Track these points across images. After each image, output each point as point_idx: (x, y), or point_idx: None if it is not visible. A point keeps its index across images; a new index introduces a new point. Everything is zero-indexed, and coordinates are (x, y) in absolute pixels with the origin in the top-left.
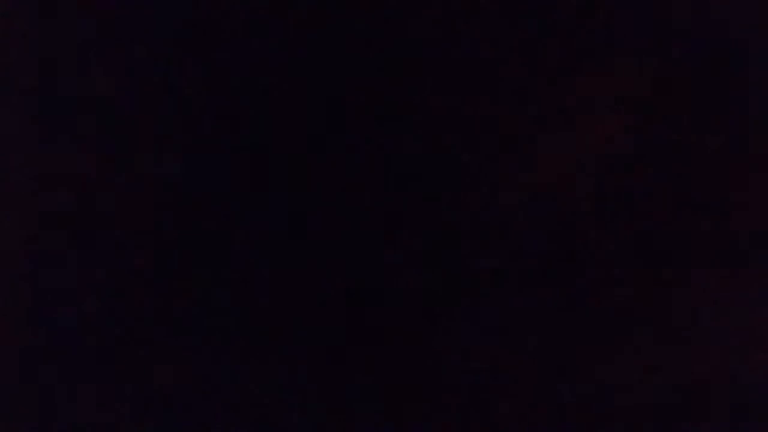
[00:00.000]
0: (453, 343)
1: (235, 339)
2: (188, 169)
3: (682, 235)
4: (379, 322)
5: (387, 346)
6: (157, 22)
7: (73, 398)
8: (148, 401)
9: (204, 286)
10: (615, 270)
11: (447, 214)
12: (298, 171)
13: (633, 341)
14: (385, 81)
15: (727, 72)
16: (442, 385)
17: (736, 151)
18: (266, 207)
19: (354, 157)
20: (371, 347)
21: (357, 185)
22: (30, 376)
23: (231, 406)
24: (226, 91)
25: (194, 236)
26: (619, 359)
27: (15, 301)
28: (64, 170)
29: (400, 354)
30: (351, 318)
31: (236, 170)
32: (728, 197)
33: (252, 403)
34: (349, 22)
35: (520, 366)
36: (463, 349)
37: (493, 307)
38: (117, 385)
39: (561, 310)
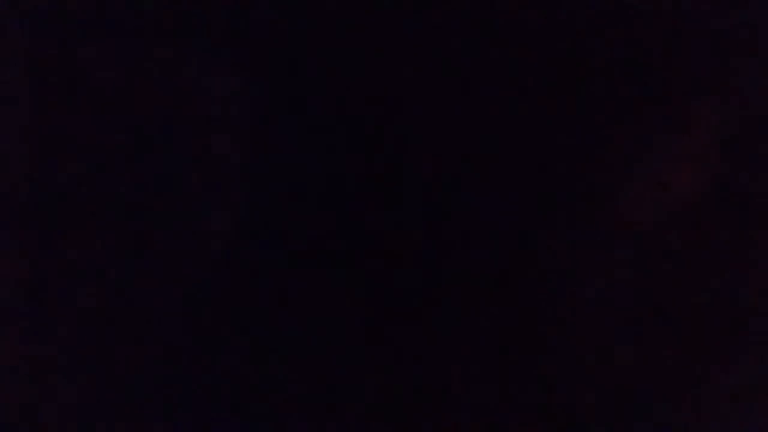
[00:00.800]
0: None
1: (235, 341)
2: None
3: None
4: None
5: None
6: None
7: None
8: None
9: (204, 286)
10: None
11: (527, 276)
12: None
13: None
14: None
15: None
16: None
17: None
18: (271, 207)
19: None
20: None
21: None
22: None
23: (231, 406)
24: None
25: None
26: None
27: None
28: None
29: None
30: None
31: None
32: None
33: (252, 403)
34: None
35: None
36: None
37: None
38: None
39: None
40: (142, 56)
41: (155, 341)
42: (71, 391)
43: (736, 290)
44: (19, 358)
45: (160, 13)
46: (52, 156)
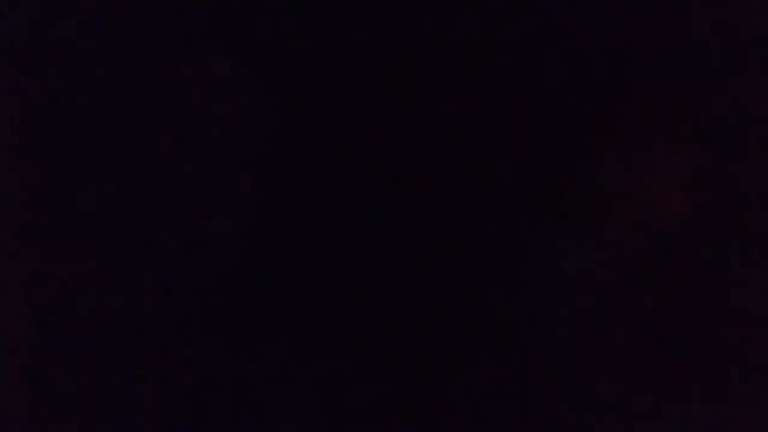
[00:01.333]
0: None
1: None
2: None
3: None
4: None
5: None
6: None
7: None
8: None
9: (204, 286)
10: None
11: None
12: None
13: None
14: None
15: None
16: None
17: None
18: (273, 207)
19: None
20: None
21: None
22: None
23: (229, 408)
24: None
25: (194, 235)
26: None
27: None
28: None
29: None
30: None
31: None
32: None
33: (250, 404)
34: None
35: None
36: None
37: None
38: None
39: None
40: (137, 51)
41: (153, 344)
42: (71, 391)
43: (719, 307)
44: (19, 359)
45: (157, 11)
46: (48, 156)
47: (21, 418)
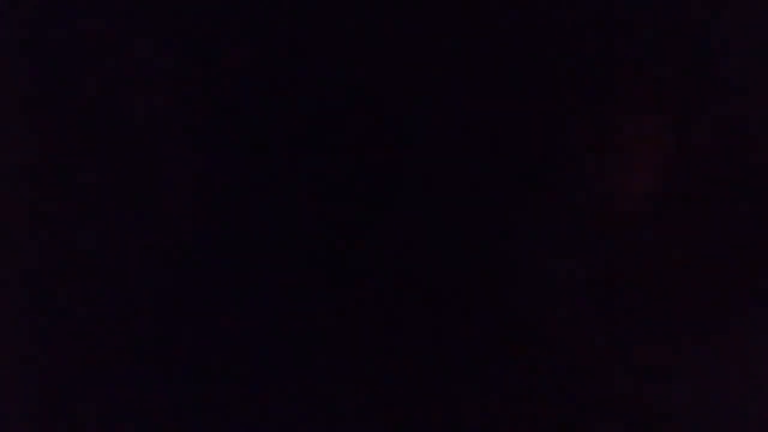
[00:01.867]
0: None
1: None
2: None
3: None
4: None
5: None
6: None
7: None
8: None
9: (205, 288)
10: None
11: (483, 241)
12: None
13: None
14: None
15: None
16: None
17: None
18: (280, 208)
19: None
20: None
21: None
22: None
23: (227, 408)
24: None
25: (194, 235)
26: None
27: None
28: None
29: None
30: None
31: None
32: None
33: (248, 405)
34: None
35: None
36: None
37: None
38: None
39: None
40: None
41: (149, 341)
42: (71, 392)
43: (698, 286)
44: (20, 359)
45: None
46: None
47: (21, 418)
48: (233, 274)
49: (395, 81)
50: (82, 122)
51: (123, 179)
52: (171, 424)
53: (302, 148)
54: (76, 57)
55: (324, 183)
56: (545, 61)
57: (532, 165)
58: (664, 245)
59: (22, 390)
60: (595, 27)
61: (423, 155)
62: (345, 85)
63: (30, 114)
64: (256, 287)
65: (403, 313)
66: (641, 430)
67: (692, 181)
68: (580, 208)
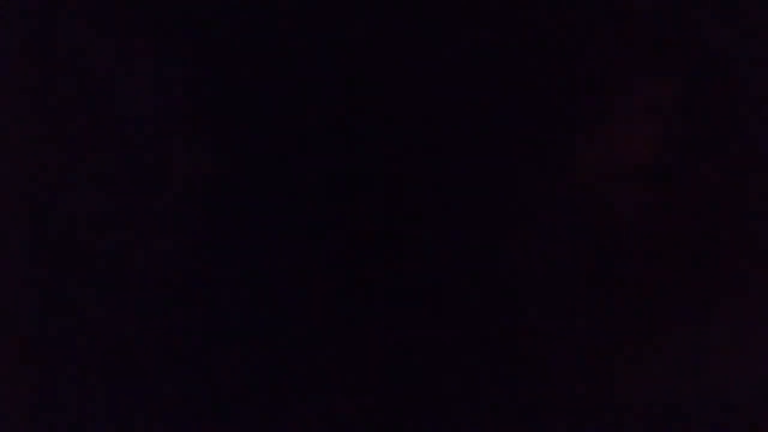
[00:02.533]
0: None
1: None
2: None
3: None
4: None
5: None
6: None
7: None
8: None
9: (206, 288)
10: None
11: (479, 228)
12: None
13: (669, 351)
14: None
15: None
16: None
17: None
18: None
19: (371, 164)
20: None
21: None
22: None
23: (226, 406)
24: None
25: (196, 237)
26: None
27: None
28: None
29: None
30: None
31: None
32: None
33: (248, 404)
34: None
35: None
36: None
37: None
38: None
39: (595, 324)
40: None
41: (150, 340)
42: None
43: (697, 256)
44: (20, 359)
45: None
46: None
47: (21, 418)
48: (233, 275)
49: (398, 79)
50: (83, 122)
51: (124, 179)
52: (171, 425)
53: (303, 149)
54: (76, 57)
55: (326, 183)
56: (545, 61)
57: (530, 161)
58: (664, 239)
59: (21, 389)
60: (599, 20)
61: (423, 148)
62: (351, 85)
63: (31, 113)
64: (258, 287)
65: (405, 312)
66: (641, 430)
67: (692, 170)
68: (577, 203)
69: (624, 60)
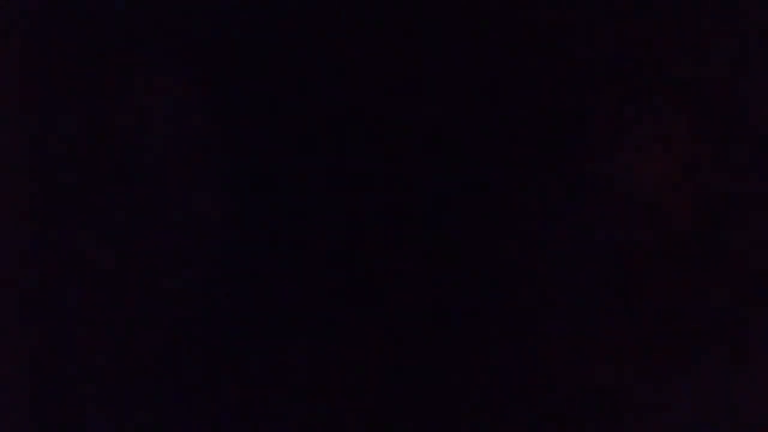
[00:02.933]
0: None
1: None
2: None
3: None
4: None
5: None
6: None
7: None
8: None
9: (207, 289)
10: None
11: (500, 239)
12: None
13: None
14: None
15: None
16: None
17: None
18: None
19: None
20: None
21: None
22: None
23: (227, 407)
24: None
25: (197, 238)
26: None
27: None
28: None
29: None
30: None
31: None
32: None
33: (248, 404)
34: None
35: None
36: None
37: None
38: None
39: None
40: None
41: (150, 340)
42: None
43: (709, 282)
44: (20, 359)
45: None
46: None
47: (21, 418)
48: (233, 275)
49: (402, 79)
50: (82, 122)
51: (128, 180)
52: (171, 425)
53: (304, 149)
54: (76, 57)
55: (329, 183)
56: (551, 63)
57: (538, 165)
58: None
59: (22, 390)
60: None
61: (429, 152)
62: (354, 87)
63: (30, 114)
64: (258, 287)
65: (408, 312)
66: (642, 429)
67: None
68: (590, 208)
69: (641, 86)
